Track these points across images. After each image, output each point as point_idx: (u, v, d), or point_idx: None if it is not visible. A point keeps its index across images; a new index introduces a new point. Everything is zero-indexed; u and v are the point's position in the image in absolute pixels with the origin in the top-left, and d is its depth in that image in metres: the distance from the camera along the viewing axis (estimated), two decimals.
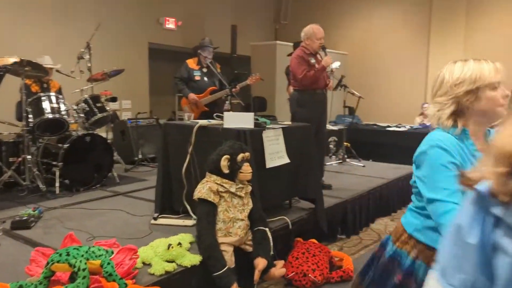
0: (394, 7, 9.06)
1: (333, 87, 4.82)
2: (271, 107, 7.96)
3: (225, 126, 3.14)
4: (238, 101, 5.23)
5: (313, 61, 4.13)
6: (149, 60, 7.73)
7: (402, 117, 8.63)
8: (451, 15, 8.28)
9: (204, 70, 5.45)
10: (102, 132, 5.40)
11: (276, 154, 3.28)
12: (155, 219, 3.32)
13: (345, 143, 6.27)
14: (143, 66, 7.64)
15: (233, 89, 5.01)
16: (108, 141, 4.81)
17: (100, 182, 4.52)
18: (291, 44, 6.86)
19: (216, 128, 3.17)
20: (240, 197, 2.75)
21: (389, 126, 7.97)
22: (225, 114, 3.18)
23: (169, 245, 2.54)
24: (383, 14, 9.19)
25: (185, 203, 3.32)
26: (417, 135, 7.10)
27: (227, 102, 4.96)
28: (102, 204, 3.87)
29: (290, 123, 3.63)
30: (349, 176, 5.16)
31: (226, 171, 2.68)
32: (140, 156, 5.80)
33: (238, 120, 3.14)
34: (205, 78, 5.42)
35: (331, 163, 5.86)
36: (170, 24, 7.97)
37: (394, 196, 4.90)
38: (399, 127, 7.82)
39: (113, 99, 5.30)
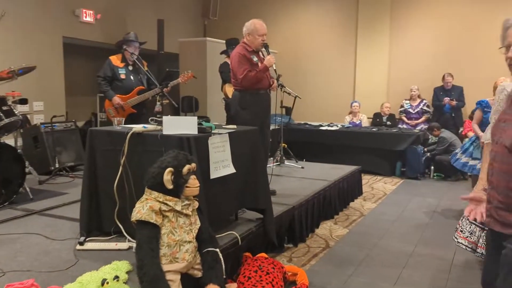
0: (322, 4, 9.08)
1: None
2: (202, 107, 7.57)
3: (165, 132, 2.73)
4: (169, 102, 4.82)
5: (255, 59, 3.84)
6: (64, 56, 6.93)
7: (332, 116, 8.72)
8: (376, 12, 8.46)
9: (130, 67, 5.00)
10: (9, 139, 4.76)
11: (221, 163, 2.94)
12: (81, 243, 2.81)
13: (282, 144, 6.08)
14: (57, 63, 6.81)
15: (165, 89, 4.59)
16: (18, 150, 4.13)
17: (9, 199, 3.83)
18: (223, 41, 6.54)
19: (154, 135, 2.76)
20: (186, 215, 2.38)
21: (321, 126, 7.97)
22: (164, 118, 2.76)
23: (104, 280, 2.10)
24: (311, 11, 9.17)
25: (117, 222, 2.88)
26: (349, 134, 7.32)
27: (158, 103, 4.51)
28: (12, 227, 3.24)
29: (235, 127, 3.30)
30: (290, 179, 4.97)
31: (170, 186, 2.30)
32: (57, 165, 5.15)
33: (179, 125, 2.75)
34: (131, 77, 4.97)
35: (268, 165, 5.62)
36: (88, 17, 7.22)
37: (336, 198, 4.80)
38: (331, 126, 7.85)
39: (23, 101, 4.67)
